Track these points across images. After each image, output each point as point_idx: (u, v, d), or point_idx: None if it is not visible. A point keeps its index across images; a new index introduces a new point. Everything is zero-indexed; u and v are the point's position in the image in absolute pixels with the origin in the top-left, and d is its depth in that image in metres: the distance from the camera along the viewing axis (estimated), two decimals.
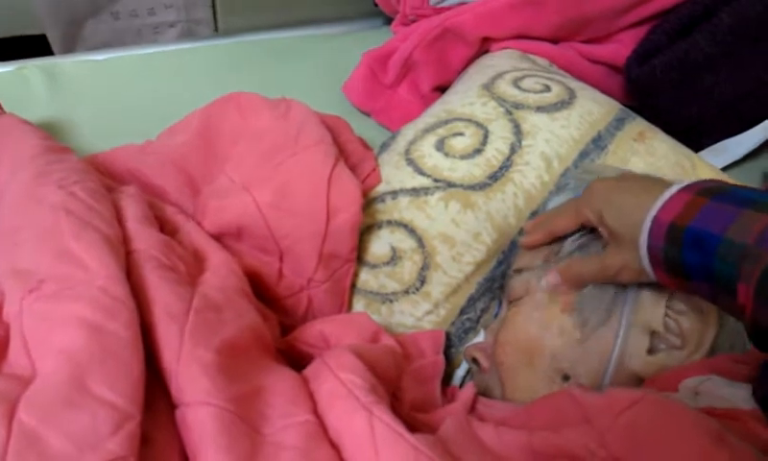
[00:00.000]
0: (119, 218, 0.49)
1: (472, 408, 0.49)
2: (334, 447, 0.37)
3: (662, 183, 0.45)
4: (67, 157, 0.56)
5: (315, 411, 0.39)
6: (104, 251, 0.41)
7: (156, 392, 0.37)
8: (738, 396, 0.40)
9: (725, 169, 0.84)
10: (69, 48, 1.20)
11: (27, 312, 0.38)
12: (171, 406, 0.38)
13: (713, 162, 0.78)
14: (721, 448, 0.34)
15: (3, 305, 0.41)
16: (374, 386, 0.40)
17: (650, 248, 0.43)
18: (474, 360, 0.58)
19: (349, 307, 0.64)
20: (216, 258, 0.52)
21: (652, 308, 0.49)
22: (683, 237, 0.40)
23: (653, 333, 0.49)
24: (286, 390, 0.41)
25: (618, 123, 0.69)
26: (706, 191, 0.41)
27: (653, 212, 0.43)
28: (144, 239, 0.46)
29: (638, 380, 0.49)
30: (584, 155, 0.67)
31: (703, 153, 0.83)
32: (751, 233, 0.37)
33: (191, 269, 0.48)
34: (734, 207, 0.39)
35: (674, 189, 0.43)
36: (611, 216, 0.46)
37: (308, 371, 0.44)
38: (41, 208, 0.46)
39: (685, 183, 0.43)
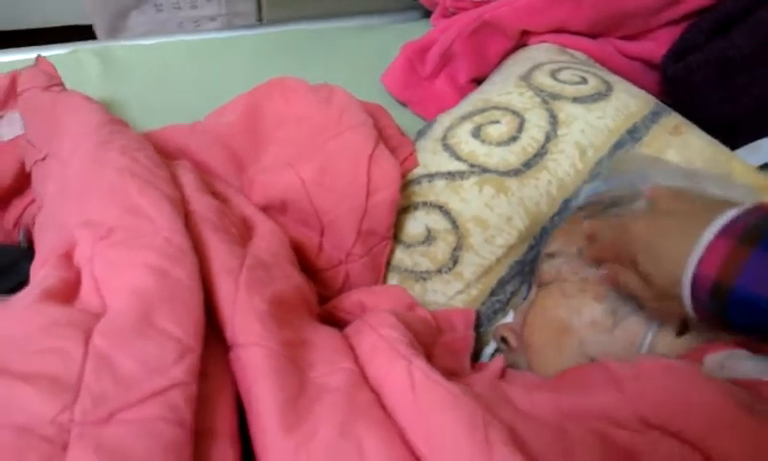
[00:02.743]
0: (177, 185, 0.52)
1: (501, 376, 0.51)
2: (374, 393, 0.40)
3: (702, 220, 0.40)
4: (127, 128, 0.60)
5: (356, 362, 0.42)
6: (167, 207, 0.45)
7: (211, 337, 0.41)
8: (762, 369, 0.42)
9: (760, 169, 0.84)
10: (113, 38, 1.26)
11: (98, 257, 0.41)
12: (225, 350, 0.41)
13: (748, 161, 0.78)
14: (751, 415, 0.36)
15: (73, 252, 0.45)
16: (413, 342, 0.43)
17: (694, 302, 0.40)
18: (503, 339, 0.60)
19: (384, 284, 0.66)
20: (264, 227, 0.55)
21: None
22: (728, 298, 0.37)
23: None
24: (329, 343, 0.43)
25: (654, 116, 0.71)
26: (748, 237, 0.37)
27: (692, 266, 0.39)
28: (200, 203, 0.50)
29: None
30: (618, 145, 0.68)
31: (738, 151, 0.83)
32: None
33: (242, 233, 0.51)
34: None
35: (713, 233, 0.38)
36: (648, 265, 0.43)
37: (349, 329, 0.47)
38: (106, 171, 0.49)
39: (725, 222, 0.38)
